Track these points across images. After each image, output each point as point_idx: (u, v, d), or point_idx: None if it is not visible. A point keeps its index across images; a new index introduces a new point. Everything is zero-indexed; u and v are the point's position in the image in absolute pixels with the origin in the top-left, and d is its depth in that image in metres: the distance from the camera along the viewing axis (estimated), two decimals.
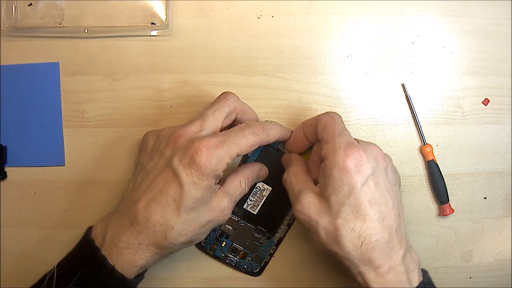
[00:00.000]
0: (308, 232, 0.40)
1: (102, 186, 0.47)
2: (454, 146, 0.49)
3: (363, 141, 0.41)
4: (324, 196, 0.39)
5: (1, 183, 0.47)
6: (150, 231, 0.38)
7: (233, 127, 0.41)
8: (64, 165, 0.48)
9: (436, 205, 0.49)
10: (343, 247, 0.38)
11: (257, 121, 0.45)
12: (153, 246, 0.38)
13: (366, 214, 0.38)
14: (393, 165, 0.42)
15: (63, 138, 0.47)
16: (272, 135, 0.42)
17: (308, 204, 0.39)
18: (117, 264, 0.38)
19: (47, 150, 0.47)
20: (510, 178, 0.50)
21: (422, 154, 0.49)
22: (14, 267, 0.47)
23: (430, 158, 0.48)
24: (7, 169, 0.47)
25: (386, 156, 0.41)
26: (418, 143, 0.49)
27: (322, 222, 0.38)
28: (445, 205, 0.48)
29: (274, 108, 0.48)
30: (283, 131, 0.44)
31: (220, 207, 0.40)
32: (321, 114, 0.42)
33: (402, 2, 0.48)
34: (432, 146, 0.48)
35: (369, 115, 0.49)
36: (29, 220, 0.48)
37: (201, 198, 0.38)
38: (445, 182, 0.48)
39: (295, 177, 0.42)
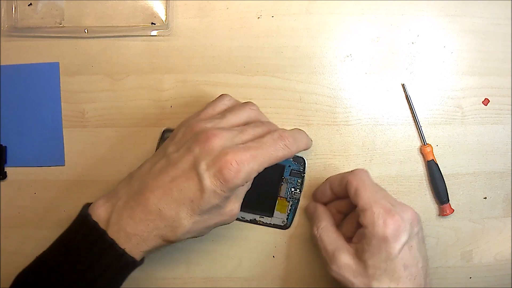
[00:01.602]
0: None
1: (102, 186, 0.47)
2: (454, 146, 0.49)
3: (397, 202, 0.42)
4: (360, 258, 0.41)
5: (1, 183, 0.47)
6: (161, 223, 0.38)
7: (267, 136, 0.39)
8: (64, 165, 0.48)
9: (436, 205, 0.49)
10: None
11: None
12: (160, 238, 0.38)
13: (400, 277, 0.40)
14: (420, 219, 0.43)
15: (63, 138, 0.47)
16: (301, 147, 0.42)
17: (344, 266, 0.41)
18: (126, 248, 0.38)
19: (47, 150, 0.47)
20: (510, 178, 0.50)
21: (422, 154, 0.49)
22: (14, 267, 0.47)
23: (430, 158, 0.48)
24: (7, 169, 0.47)
25: (417, 215, 0.42)
26: (418, 143, 0.49)
27: (357, 283, 0.40)
28: (445, 205, 0.48)
29: (274, 108, 0.48)
30: (309, 142, 0.44)
31: (232, 212, 0.40)
32: (348, 174, 0.43)
33: (402, 2, 0.48)
34: (432, 146, 0.48)
35: (369, 115, 0.49)
36: (29, 220, 0.48)
37: (217, 205, 0.38)
38: (445, 182, 0.48)
39: (326, 234, 0.44)
